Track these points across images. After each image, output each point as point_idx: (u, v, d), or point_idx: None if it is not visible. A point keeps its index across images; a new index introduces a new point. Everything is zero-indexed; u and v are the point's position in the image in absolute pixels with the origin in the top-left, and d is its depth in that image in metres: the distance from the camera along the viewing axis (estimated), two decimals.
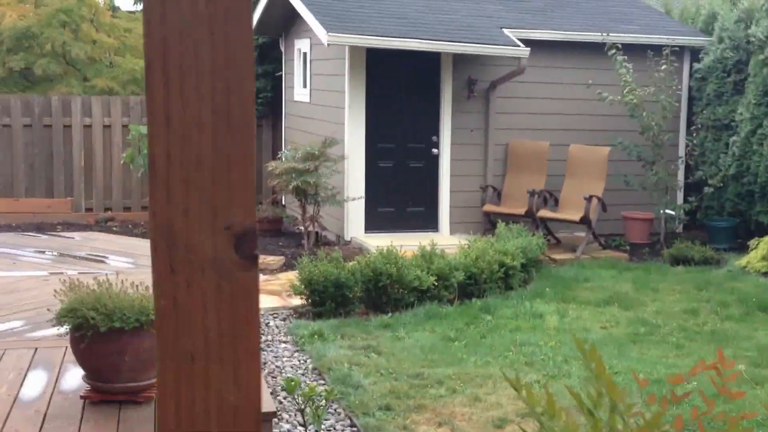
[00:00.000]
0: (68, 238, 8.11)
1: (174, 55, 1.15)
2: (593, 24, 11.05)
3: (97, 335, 3.85)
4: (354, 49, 9.89)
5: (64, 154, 12.27)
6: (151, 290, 4.18)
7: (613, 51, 9.99)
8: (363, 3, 10.68)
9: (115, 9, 22.69)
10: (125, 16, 22.90)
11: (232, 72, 1.15)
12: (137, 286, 4.12)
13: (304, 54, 11.52)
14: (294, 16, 11.35)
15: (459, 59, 10.37)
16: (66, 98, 12.35)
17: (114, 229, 11.06)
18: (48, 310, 4.17)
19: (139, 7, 29.25)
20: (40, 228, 11.01)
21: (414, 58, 10.06)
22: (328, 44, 9.38)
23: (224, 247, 1.15)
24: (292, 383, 4.40)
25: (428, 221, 10.62)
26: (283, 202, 12.26)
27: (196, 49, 1.14)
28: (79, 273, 6.64)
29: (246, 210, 1.16)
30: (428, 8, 10.87)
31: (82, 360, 3.99)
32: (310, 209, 9.74)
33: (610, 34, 10.35)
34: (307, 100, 11.49)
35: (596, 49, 10.41)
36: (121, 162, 11.28)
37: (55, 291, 4.11)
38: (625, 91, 9.97)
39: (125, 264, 7.02)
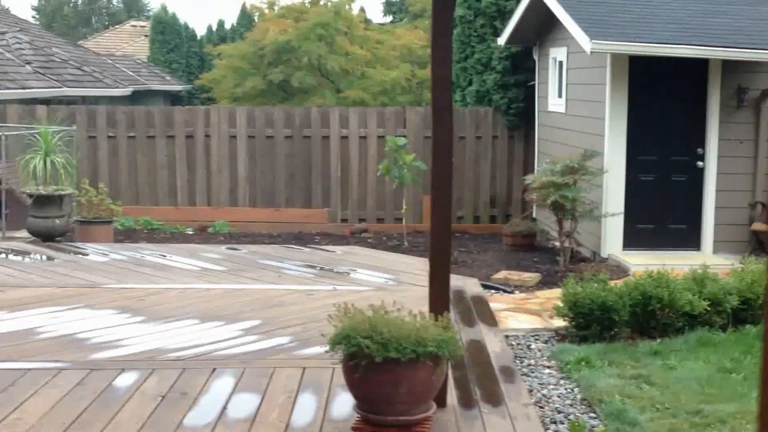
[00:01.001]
0: (329, 251, 8.17)
1: None
2: None
3: (372, 365, 3.66)
4: (615, 57, 9.29)
5: (321, 165, 12.60)
6: (420, 317, 4.00)
7: None
8: (626, 7, 10.03)
9: (367, 21, 23.31)
10: (376, 28, 23.45)
11: None
12: (415, 315, 3.90)
13: (560, 63, 11.03)
14: (550, 24, 10.90)
15: (728, 66, 9.47)
16: (324, 110, 12.69)
17: (369, 241, 11.17)
18: (322, 335, 4.06)
19: (389, 18, 29.95)
20: (299, 238, 11.33)
21: (678, 65, 9.30)
22: (591, 52, 8.85)
23: None
24: (577, 426, 4.00)
25: (689, 239, 9.80)
26: (533, 215, 11.83)
27: None
28: (344, 289, 6.63)
29: None
30: (696, 12, 10.02)
31: (355, 389, 3.83)
32: (567, 224, 9.25)
33: None
34: (562, 110, 10.98)
35: None
36: (378, 173, 11.37)
37: (329, 316, 3.98)
38: None
39: (386, 280, 6.91)
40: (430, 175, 11.78)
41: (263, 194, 12.62)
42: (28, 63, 18.38)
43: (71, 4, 52.67)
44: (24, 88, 16.01)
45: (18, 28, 21.62)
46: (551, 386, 5.76)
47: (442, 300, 4.21)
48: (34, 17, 49.08)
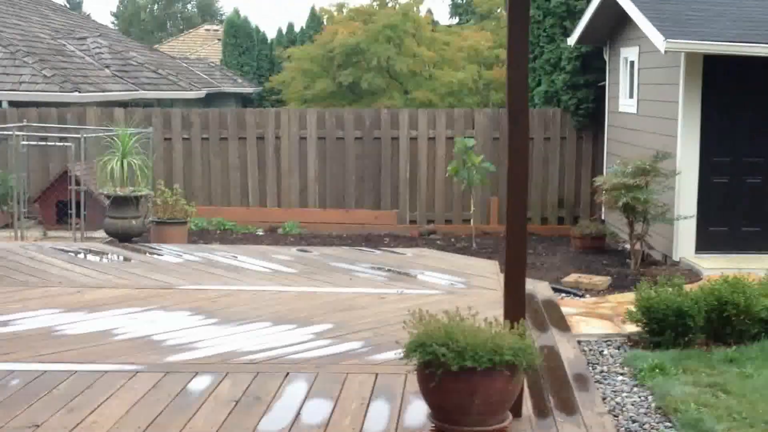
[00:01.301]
0: (400, 254, 8.07)
1: None
2: None
3: (447, 373, 3.55)
4: (690, 56, 8.98)
5: (390, 166, 12.52)
6: (496, 324, 3.88)
7: None
8: (699, 5, 9.70)
9: (435, 23, 23.15)
10: (443, 29, 23.28)
11: None
12: (491, 322, 3.77)
13: (631, 62, 10.74)
14: (622, 23, 10.62)
15: None
16: (394, 111, 12.61)
17: (437, 242, 11.03)
18: (396, 342, 3.96)
19: (455, 20, 29.72)
20: (368, 240, 11.27)
21: (753, 64, 8.96)
22: (666, 51, 8.57)
23: None
24: None
25: (763, 242, 9.45)
26: (602, 217, 11.55)
27: None
28: (415, 292, 6.52)
29: None
30: None
31: (430, 398, 3.73)
32: (638, 227, 8.99)
33: None
34: (633, 111, 10.68)
35: None
36: (446, 175, 11.24)
37: (404, 323, 3.88)
38: None
39: (457, 284, 6.78)
40: (498, 177, 11.61)
41: (332, 195, 12.60)
42: (107, 67, 18.74)
43: (148, 10, 53.73)
44: (103, 91, 16.31)
45: (98, 33, 22.08)
46: (625, 394, 5.57)
47: (518, 306, 4.07)
48: (112, 23, 50.19)
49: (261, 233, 11.77)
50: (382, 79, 20.16)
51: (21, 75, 15.24)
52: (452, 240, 11.35)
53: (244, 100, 26.78)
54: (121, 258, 7.80)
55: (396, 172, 12.51)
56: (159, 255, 7.92)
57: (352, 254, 8.01)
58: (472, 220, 12.00)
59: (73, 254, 7.82)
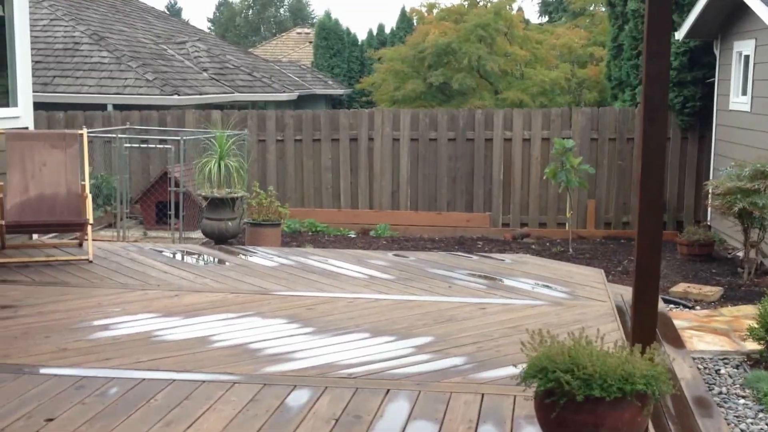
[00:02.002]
0: (498, 260, 7.66)
1: None
2: None
3: (571, 403, 3.15)
4: None
5: (484, 168, 12.09)
6: (621, 347, 3.48)
7: None
8: None
9: (526, 21, 22.55)
10: (535, 28, 22.66)
11: None
12: (620, 346, 3.35)
13: (746, 57, 10.02)
14: (737, 15, 9.93)
15: None
16: (489, 111, 12.17)
17: (533, 247, 10.56)
18: (513, 366, 3.58)
19: (545, 19, 28.97)
20: (462, 243, 10.87)
21: None
22: None
23: None
24: None
25: None
26: (708, 222, 10.86)
27: None
28: (518, 303, 6.12)
29: None
30: None
31: (549, 429, 3.33)
32: (753, 234, 8.34)
33: None
34: (747, 109, 9.98)
35: None
36: (543, 177, 10.76)
37: (522, 344, 3.50)
38: None
39: (561, 294, 6.33)
40: (594, 179, 11.01)
41: (424, 197, 12.25)
42: (205, 70, 18.86)
43: (243, 15, 54.50)
44: (201, 94, 16.38)
45: (197, 38, 22.31)
46: (749, 420, 5.05)
47: (649, 327, 3.62)
48: (209, 28, 51.09)
49: (353, 235, 11.51)
50: (473, 79, 19.71)
51: (125, 79, 15.42)
52: (547, 244, 10.86)
53: (334, 102, 26.72)
54: (217, 261, 7.63)
55: (489, 173, 12.08)
56: (254, 258, 7.72)
57: (448, 260, 7.63)
58: (567, 224, 11.50)
59: (171, 256, 7.69)
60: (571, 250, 10.13)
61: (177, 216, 10.09)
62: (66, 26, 17.02)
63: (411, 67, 20.41)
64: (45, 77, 15.38)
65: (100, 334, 5.35)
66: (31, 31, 17.09)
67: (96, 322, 5.60)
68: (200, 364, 4.77)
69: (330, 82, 25.78)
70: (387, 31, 27.89)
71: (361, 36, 28.87)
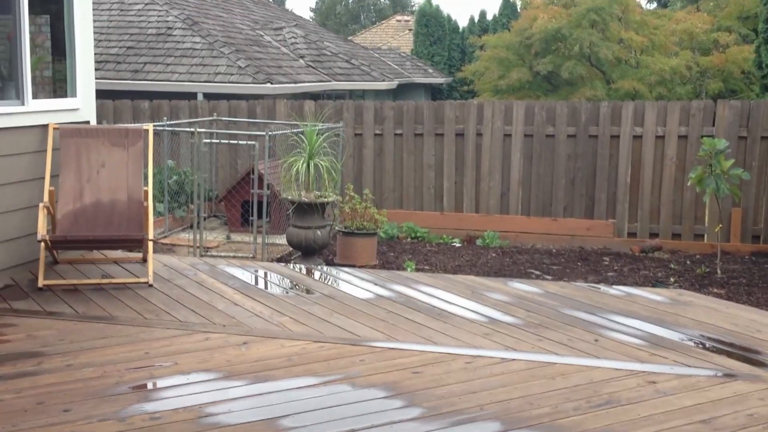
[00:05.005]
0: (651, 299, 5.78)
1: None
2: None
3: None
4: None
5: (608, 168, 10.13)
6: None
7: None
8: None
9: (641, 6, 20.19)
10: (651, 13, 20.28)
11: None
12: None
13: None
14: None
15: None
16: (616, 104, 10.17)
17: (670, 266, 8.46)
18: None
19: (653, 6, 26.33)
20: (584, 259, 8.98)
21: None
22: None
23: None
24: None
25: None
26: None
27: None
28: (701, 374, 4.27)
29: None
30: None
31: None
32: None
33: None
34: None
35: None
36: (688, 183, 8.74)
37: None
38: None
39: (755, 358, 4.45)
40: (742, 185, 8.71)
41: (538, 201, 10.38)
42: (302, 57, 17.37)
43: (343, 3, 53.11)
44: (295, 82, 14.88)
45: (294, 23, 20.87)
46: None
47: None
48: (311, 17, 49.88)
49: (458, 244, 9.75)
50: (583, 68, 17.59)
51: (217, 66, 14.06)
52: (687, 262, 8.83)
53: (434, 91, 24.93)
54: (301, 288, 6.01)
55: (614, 175, 10.11)
56: (345, 286, 6.08)
57: (586, 295, 5.81)
58: (705, 236, 9.46)
59: (245, 280, 6.12)
60: (719, 272, 8.11)
61: (260, 217, 8.57)
62: (160, 11, 15.77)
63: (516, 55, 18.45)
64: (136, 64, 14.15)
65: (137, 408, 3.80)
66: (126, 15, 15.93)
67: (135, 386, 4.06)
68: None
69: (430, 71, 23.99)
70: (489, 17, 25.88)
71: (462, 23, 26.99)
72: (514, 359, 4.47)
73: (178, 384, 4.11)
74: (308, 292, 5.84)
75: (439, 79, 23.93)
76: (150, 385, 4.09)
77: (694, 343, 4.78)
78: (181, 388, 4.06)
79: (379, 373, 4.26)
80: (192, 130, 8.83)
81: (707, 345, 4.75)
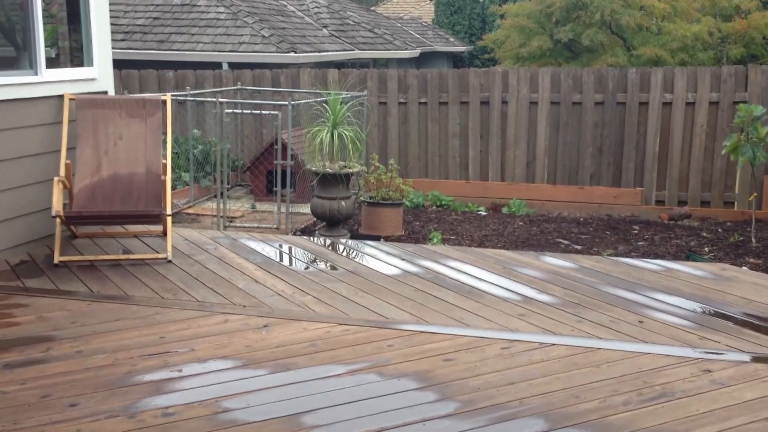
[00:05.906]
0: (693, 274, 5.20)
1: None
2: None
3: None
4: None
5: (636, 136, 9.49)
6: None
7: None
8: None
9: None
10: None
11: None
12: None
13: None
14: None
15: None
16: (645, 71, 9.48)
17: (703, 234, 7.89)
18: None
19: None
20: (612, 226, 8.41)
21: None
22: None
23: None
24: None
25: None
26: None
27: None
28: (758, 363, 3.73)
29: None
30: None
31: None
32: None
33: None
34: None
35: None
36: (723, 151, 8.12)
37: None
38: None
39: None
40: None
41: (564, 169, 9.78)
42: (325, 26, 16.72)
43: None
44: (319, 52, 14.27)
45: None
46: None
47: None
48: None
49: (483, 213, 9.20)
50: (605, 35, 16.77)
51: (241, 36, 13.48)
52: (717, 230, 8.23)
53: (455, 60, 24.17)
54: (325, 264, 5.51)
55: (642, 143, 9.47)
56: (370, 261, 5.56)
57: (622, 270, 5.25)
58: (735, 204, 8.84)
59: (267, 255, 5.63)
60: (754, 240, 7.52)
61: (284, 187, 8.07)
62: None
63: (537, 23, 17.63)
64: (162, 34, 13.59)
65: (148, 402, 3.34)
66: None
67: (148, 377, 3.59)
68: None
69: (451, 40, 23.22)
70: None
71: None
72: (553, 344, 3.95)
73: (193, 374, 3.64)
74: (332, 268, 5.34)
75: (460, 48, 23.17)
76: (163, 376, 3.62)
77: (746, 324, 4.23)
78: (196, 378, 3.59)
79: (408, 361, 3.76)
80: (214, 100, 8.31)
81: (761, 326, 4.20)
